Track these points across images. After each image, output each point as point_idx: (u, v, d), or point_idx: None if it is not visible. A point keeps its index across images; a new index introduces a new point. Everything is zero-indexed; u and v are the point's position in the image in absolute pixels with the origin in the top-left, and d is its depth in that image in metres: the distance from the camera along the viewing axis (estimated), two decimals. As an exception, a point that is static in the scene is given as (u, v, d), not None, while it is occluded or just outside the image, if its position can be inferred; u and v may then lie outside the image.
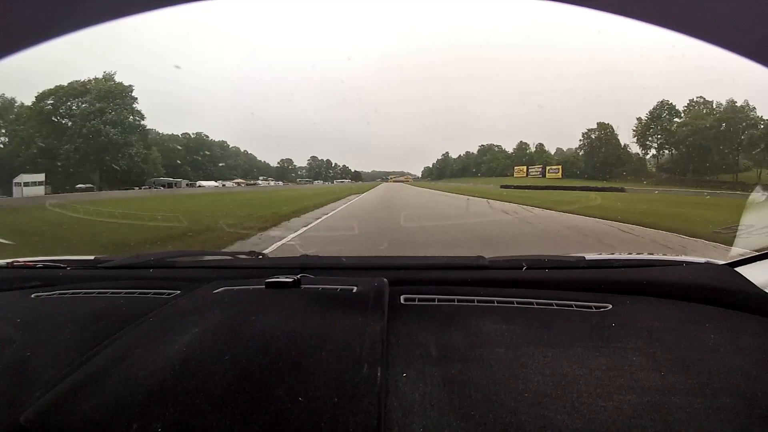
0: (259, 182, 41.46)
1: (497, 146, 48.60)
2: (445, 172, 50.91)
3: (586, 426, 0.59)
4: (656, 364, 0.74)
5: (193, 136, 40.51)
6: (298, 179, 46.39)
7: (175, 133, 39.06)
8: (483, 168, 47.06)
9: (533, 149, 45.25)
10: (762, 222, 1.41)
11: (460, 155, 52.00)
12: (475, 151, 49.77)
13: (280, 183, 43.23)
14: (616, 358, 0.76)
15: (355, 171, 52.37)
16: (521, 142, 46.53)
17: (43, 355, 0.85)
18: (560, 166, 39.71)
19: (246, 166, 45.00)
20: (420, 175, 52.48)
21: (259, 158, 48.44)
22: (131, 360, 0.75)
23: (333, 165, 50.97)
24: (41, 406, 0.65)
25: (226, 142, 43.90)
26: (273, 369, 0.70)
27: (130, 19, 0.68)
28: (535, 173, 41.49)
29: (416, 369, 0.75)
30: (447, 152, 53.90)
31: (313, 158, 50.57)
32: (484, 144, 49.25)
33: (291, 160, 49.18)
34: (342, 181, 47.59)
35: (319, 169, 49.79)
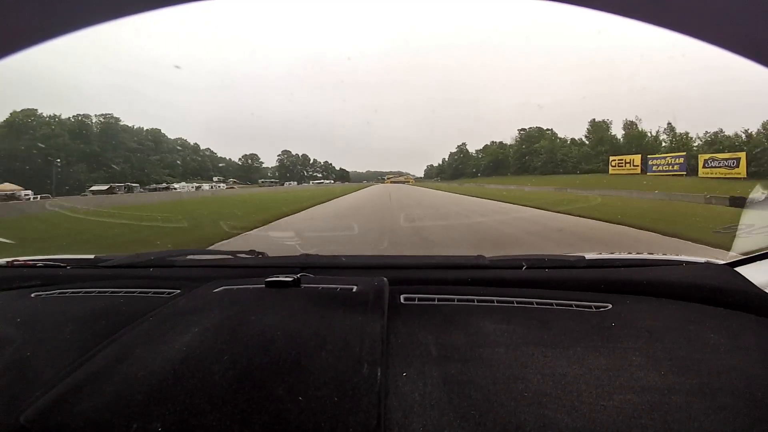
0: (176, 186, 28.71)
1: (549, 130, 33.84)
2: (464, 169, 40.46)
3: (586, 425, 0.60)
4: (656, 363, 0.74)
5: (97, 121, 28.63)
6: (260, 180, 37.58)
7: (57, 114, 27.25)
8: (537, 162, 32.38)
9: (622, 132, 28.25)
10: (762, 222, 1.41)
11: (486, 145, 40.12)
12: (510, 141, 37.57)
13: (222, 186, 33.44)
14: (616, 358, 0.76)
15: (341, 169, 41.82)
16: (594, 120, 30.12)
17: (43, 354, 0.85)
18: (742, 155, 19.79)
19: (194, 164, 35.86)
20: (423, 175, 44.53)
21: (220, 155, 39.22)
22: (131, 360, 0.75)
23: (311, 162, 40.86)
24: (41, 405, 0.65)
25: (161, 131, 33.82)
26: (273, 368, 0.70)
27: (130, 19, 0.68)
28: (665, 167, 23.22)
29: (416, 369, 0.75)
30: (464, 144, 42.49)
31: (286, 153, 40.21)
32: (527, 128, 35.45)
33: (257, 156, 39.72)
34: (321, 183, 38.80)
35: (293, 167, 40.20)
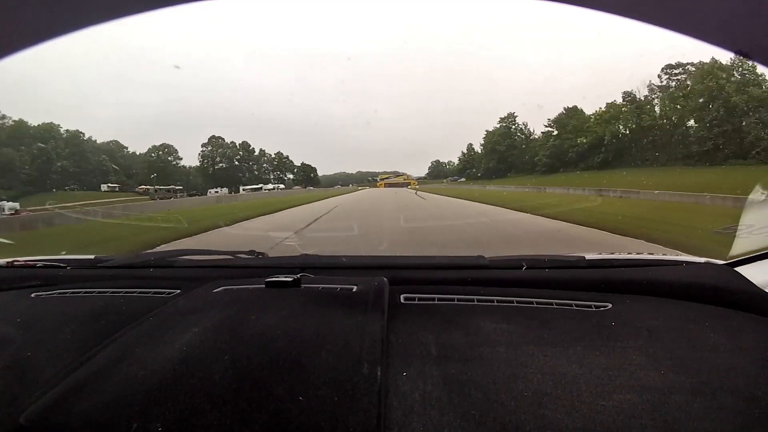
0: None
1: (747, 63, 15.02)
2: (517, 160, 24.06)
3: (585, 425, 0.60)
4: (656, 363, 0.74)
5: None
6: (153, 188, 23.35)
7: None
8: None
9: None
10: (762, 222, 1.41)
11: (569, 109, 21.26)
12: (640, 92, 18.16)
13: (11, 206, 17.53)
14: (616, 358, 0.76)
15: (305, 166, 27.43)
16: None
17: (44, 354, 0.85)
18: None
19: (63, 163, 23.43)
20: (426, 175, 33.46)
21: (131, 149, 26.96)
22: (131, 359, 0.75)
23: (255, 153, 25.64)
24: (41, 405, 0.65)
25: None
26: (273, 368, 0.70)
27: (129, 19, 0.68)
28: None
29: (416, 368, 0.74)
30: (512, 114, 25.51)
31: (214, 142, 25.28)
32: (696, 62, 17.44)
33: (172, 147, 25.81)
34: (259, 189, 24.95)
35: (228, 163, 25.47)
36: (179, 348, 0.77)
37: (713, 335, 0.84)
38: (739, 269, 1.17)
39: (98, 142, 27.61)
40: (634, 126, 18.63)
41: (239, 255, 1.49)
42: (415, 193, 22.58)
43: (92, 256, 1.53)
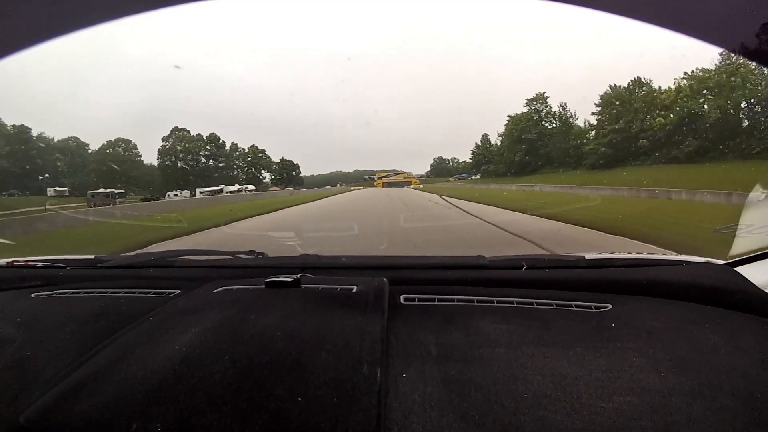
0: None
1: None
2: (538, 153, 18.10)
3: (585, 426, 0.60)
4: (656, 364, 0.74)
5: None
6: (91, 192, 19.65)
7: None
8: None
9: None
10: (762, 221, 1.41)
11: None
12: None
13: None
14: (616, 359, 0.76)
15: (285, 162, 23.89)
16: None
17: (43, 354, 0.85)
18: None
19: (2, 161, 19.87)
20: (429, 173, 30.21)
21: (91, 148, 23.03)
22: (131, 359, 0.75)
23: (227, 147, 22.09)
24: (41, 405, 0.65)
25: None
26: (273, 368, 0.70)
27: (129, 20, 0.68)
28: None
29: (416, 369, 0.74)
30: (542, 93, 19.58)
31: (177, 134, 21.59)
32: None
33: (131, 143, 22.28)
34: (218, 191, 21.17)
35: (192, 159, 21.66)
36: (179, 348, 0.77)
37: (713, 336, 0.84)
38: (739, 269, 1.17)
39: (56, 140, 24.23)
40: (748, 99, 11.91)
41: (239, 255, 1.49)
42: (440, 197, 15.63)
43: (92, 256, 1.53)
